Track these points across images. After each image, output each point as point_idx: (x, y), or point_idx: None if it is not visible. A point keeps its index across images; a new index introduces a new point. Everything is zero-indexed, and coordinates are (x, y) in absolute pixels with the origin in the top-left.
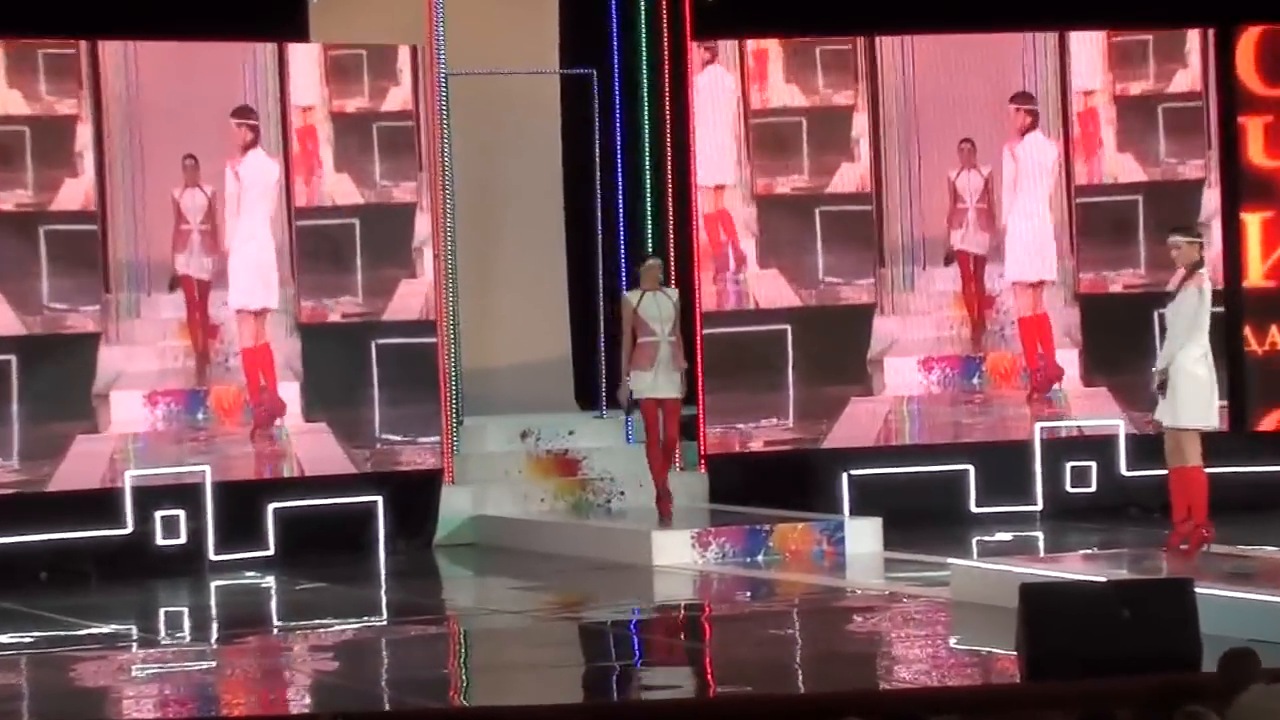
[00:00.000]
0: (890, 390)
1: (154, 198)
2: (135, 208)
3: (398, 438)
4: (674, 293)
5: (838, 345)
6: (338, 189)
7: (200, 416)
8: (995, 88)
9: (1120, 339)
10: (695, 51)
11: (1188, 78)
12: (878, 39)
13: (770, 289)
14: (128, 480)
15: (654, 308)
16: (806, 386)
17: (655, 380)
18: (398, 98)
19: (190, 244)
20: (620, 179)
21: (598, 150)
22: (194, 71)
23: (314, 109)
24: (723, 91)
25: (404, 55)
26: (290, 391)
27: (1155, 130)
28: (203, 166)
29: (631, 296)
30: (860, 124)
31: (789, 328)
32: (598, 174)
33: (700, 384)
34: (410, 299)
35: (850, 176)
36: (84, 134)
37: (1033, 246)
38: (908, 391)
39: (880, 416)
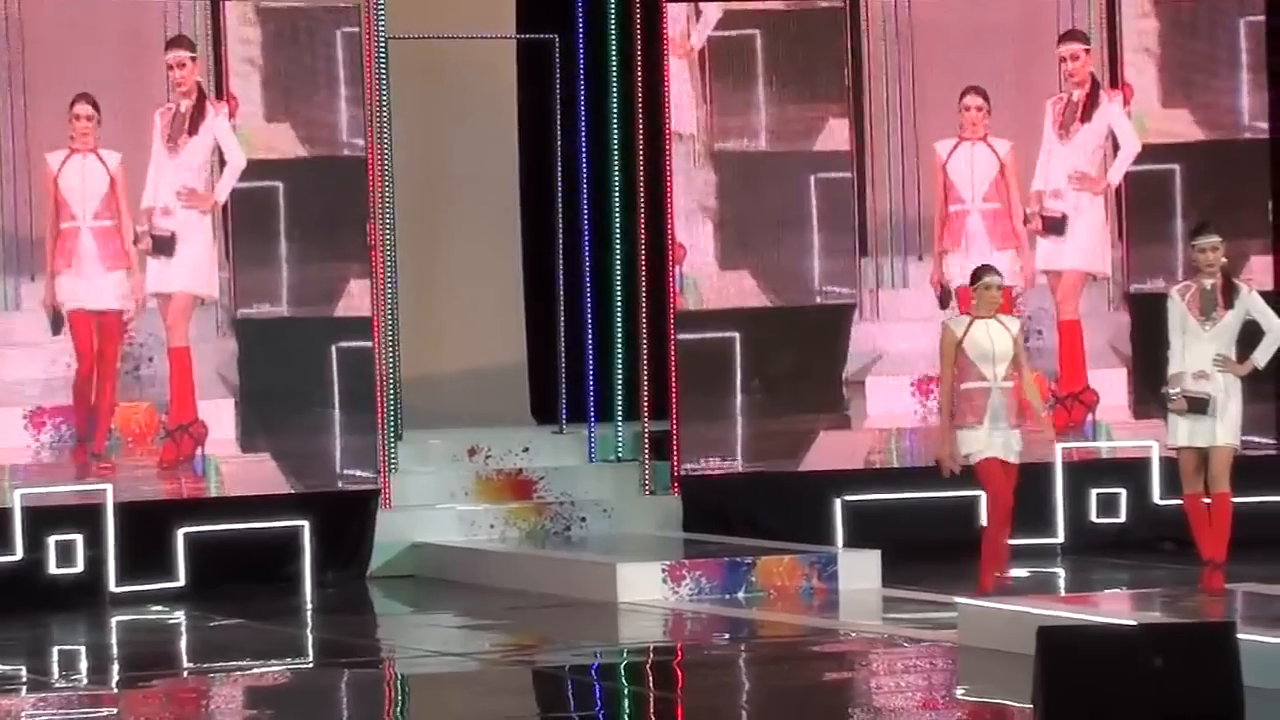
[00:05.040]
0: (874, 421)
1: (41, 138)
2: (15, 154)
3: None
4: (1014, 323)
5: (803, 359)
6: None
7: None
8: (1023, 25)
9: None
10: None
11: None
12: None
13: (720, 283)
14: (16, 500)
15: (986, 342)
16: (760, 413)
17: (991, 437)
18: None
19: (76, 254)
20: (585, 160)
21: (559, 127)
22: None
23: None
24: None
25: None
26: (220, 410)
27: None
28: (107, 120)
29: (956, 325)
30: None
31: (737, 335)
32: (559, 154)
33: (675, 395)
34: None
35: (834, 131)
36: None
37: (1076, 228)
38: (897, 422)
39: (859, 455)
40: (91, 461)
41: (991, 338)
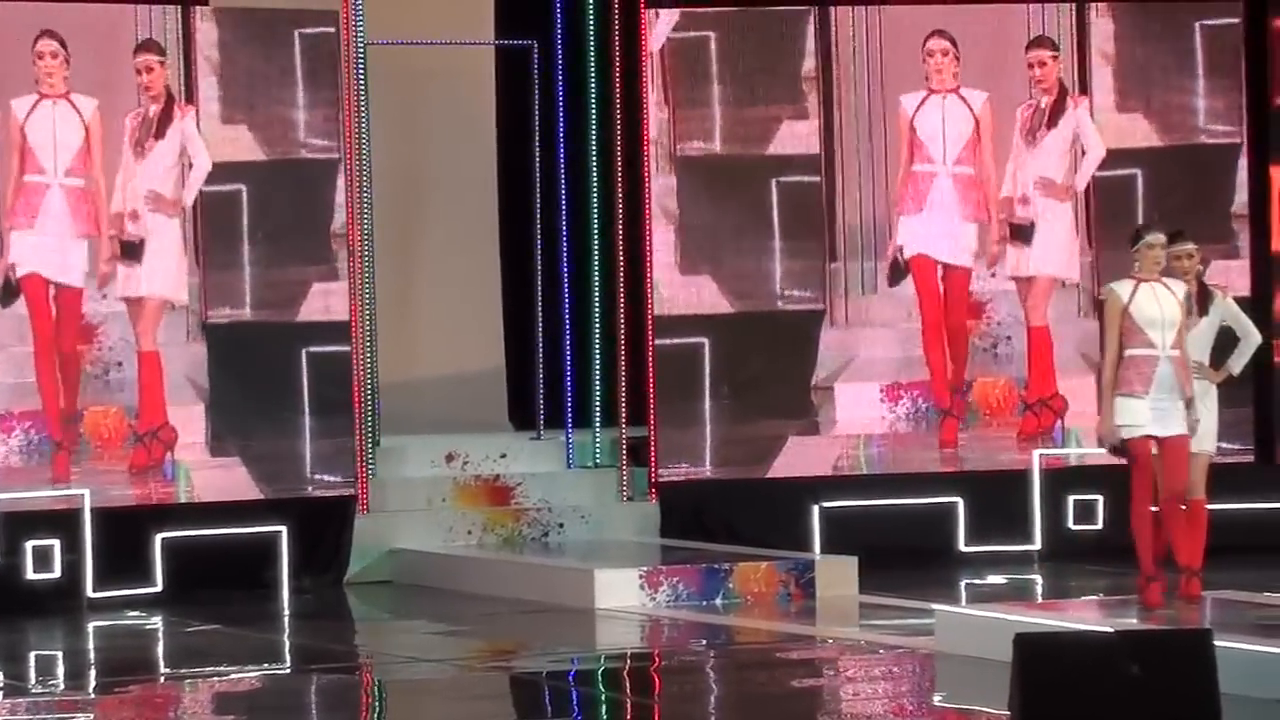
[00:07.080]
0: (843, 427)
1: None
2: None
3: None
4: (1181, 287)
5: (772, 364)
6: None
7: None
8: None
9: None
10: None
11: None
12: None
13: (686, 290)
14: None
15: (1153, 306)
16: (728, 420)
17: (1152, 410)
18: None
19: (44, 210)
20: (563, 165)
21: (537, 133)
22: None
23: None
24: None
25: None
26: (189, 415)
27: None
28: (77, 65)
29: (1120, 289)
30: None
31: (706, 340)
32: (537, 160)
33: (653, 401)
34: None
35: (797, 133)
36: None
37: (1043, 235)
38: (866, 429)
39: (828, 461)
40: (70, 467)
41: (1159, 302)
